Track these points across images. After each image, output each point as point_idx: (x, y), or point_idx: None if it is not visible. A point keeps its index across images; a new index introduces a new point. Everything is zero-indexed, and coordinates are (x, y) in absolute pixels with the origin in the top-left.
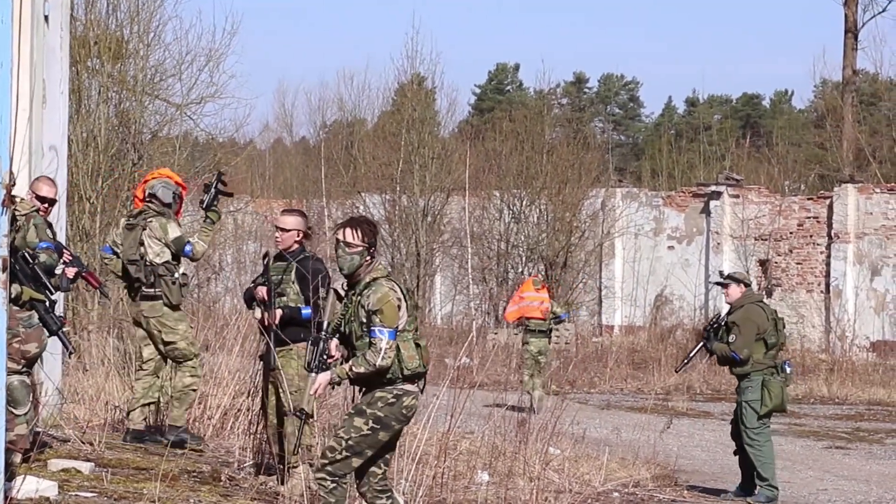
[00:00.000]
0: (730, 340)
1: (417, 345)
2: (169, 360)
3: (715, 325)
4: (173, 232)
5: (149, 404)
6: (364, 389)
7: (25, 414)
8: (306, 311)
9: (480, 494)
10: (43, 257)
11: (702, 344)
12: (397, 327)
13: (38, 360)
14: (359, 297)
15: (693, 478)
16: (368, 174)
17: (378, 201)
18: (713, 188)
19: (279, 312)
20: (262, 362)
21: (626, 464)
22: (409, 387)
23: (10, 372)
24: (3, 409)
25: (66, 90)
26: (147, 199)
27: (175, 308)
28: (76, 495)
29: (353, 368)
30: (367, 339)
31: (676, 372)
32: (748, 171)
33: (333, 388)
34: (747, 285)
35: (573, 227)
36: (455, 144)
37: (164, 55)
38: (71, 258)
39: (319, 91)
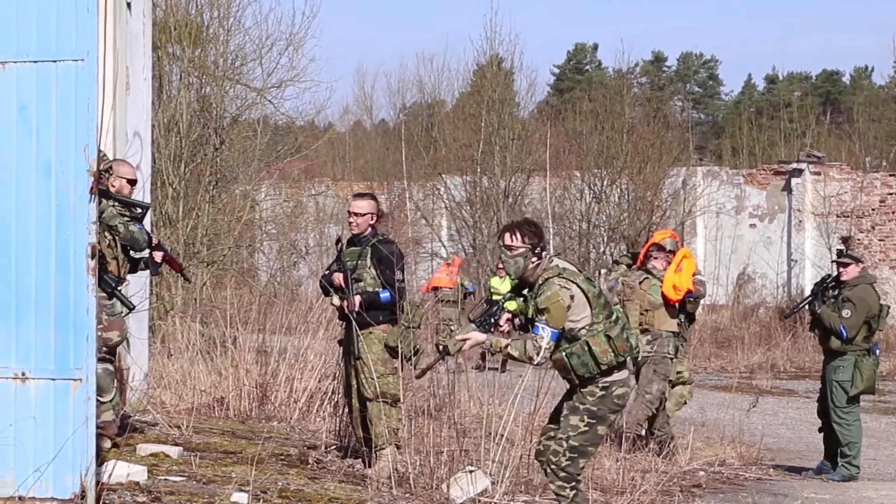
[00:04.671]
0: (843, 315)
1: (608, 336)
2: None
3: (823, 287)
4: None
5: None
6: (569, 387)
7: (111, 400)
8: (385, 295)
9: None
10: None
11: (811, 298)
12: (563, 329)
13: (126, 346)
14: (535, 298)
15: (779, 456)
16: (449, 156)
17: (459, 183)
18: (794, 166)
19: (358, 299)
20: (341, 346)
21: (712, 443)
22: (614, 377)
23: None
24: (94, 396)
25: (149, 76)
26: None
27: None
28: (165, 479)
29: (509, 348)
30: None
31: (785, 318)
32: (829, 148)
33: (483, 356)
34: (863, 264)
35: (654, 207)
36: (535, 125)
37: (244, 40)
38: (157, 242)
39: (399, 73)
